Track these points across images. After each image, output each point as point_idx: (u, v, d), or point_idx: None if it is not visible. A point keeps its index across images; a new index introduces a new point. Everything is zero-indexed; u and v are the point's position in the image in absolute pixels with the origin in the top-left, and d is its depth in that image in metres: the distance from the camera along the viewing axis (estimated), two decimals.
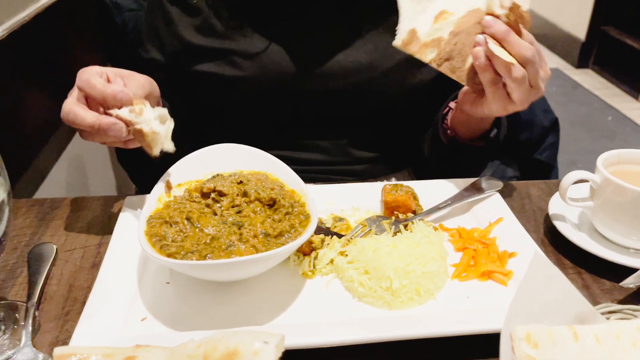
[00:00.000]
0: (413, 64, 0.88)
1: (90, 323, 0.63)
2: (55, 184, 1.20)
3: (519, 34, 0.76)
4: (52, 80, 1.18)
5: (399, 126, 1.05)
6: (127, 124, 0.72)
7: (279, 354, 0.50)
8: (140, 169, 0.90)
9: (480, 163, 1.02)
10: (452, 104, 0.97)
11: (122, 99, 0.71)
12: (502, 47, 0.75)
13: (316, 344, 0.60)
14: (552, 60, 4.26)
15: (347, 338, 0.61)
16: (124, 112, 0.71)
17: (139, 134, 0.72)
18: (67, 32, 1.26)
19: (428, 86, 0.99)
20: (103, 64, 1.45)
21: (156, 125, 0.73)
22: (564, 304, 0.51)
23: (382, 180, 1.01)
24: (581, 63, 4.07)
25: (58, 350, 0.52)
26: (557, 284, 0.52)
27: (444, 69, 0.80)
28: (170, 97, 0.94)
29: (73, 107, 0.71)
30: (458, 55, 0.79)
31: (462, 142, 0.95)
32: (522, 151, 1.37)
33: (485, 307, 0.68)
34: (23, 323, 0.65)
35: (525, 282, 0.51)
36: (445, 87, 0.97)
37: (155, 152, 0.75)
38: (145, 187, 0.84)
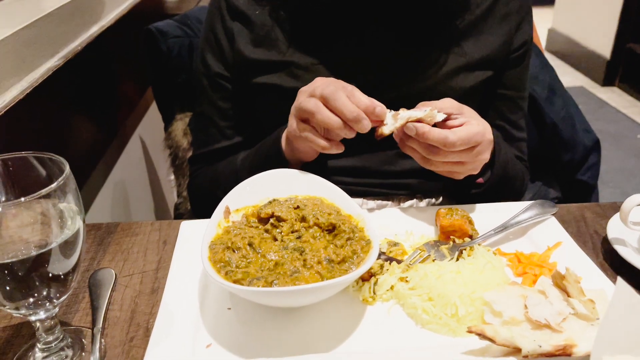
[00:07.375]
0: (462, 71, 0.94)
1: (158, 350, 0.63)
2: (102, 208, 1.22)
3: None
4: (101, 105, 1.21)
5: None
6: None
7: None
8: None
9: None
10: None
11: (379, 113, 0.76)
12: None
13: None
14: (577, 79, 4.23)
15: None
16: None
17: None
18: (114, 60, 1.29)
19: (477, 91, 0.99)
20: (145, 89, 1.48)
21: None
22: None
23: (433, 197, 1.01)
24: (607, 81, 4.03)
25: None
26: None
27: None
28: (234, 111, 1.00)
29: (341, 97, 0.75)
30: None
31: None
32: (564, 172, 1.36)
33: None
34: (90, 350, 0.66)
35: (610, 311, 0.50)
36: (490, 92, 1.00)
37: None
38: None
